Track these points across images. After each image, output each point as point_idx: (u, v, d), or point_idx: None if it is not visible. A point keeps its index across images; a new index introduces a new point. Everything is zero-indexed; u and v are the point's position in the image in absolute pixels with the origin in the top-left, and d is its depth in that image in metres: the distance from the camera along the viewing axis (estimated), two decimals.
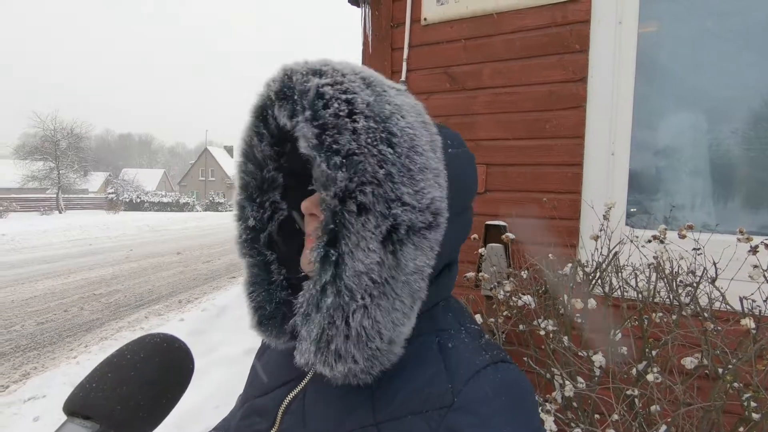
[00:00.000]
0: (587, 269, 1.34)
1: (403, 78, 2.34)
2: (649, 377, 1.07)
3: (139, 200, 37.73)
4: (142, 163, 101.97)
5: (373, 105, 0.48)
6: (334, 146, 0.45)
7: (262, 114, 0.55)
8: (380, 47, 2.39)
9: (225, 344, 4.62)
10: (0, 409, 3.37)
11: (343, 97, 0.47)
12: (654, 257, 1.31)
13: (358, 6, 2.35)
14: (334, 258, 0.46)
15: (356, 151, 0.45)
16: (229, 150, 66.74)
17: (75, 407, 0.42)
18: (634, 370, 1.25)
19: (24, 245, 13.07)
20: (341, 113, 0.46)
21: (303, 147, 0.47)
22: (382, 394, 0.51)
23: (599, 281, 1.30)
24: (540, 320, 1.37)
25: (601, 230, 1.48)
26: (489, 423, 0.46)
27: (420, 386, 0.50)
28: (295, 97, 0.48)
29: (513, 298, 1.42)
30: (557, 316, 1.35)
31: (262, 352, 0.71)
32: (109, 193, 37.50)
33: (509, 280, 1.45)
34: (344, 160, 0.45)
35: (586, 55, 2.00)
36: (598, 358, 1.18)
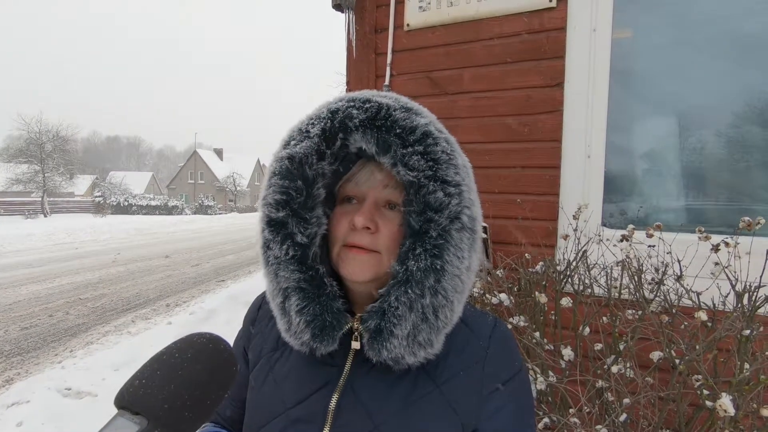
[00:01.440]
0: (559, 267, 1.40)
1: (386, 83, 2.39)
2: (614, 369, 1.12)
3: (126, 203, 37.26)
4: (130, 165, 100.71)
5: (456, 144, 0.63)
6: (447, 177, 0.59)
7: (327, 135, 0.63)
8: (364, 52, 2.44)
9: None
10: None
11: (443, 136, 0.62)
12: (623, 256, 1.37)
13: (342, 11, 2.40)
14: (438, 266, 0.58)
15: (461, 182, 0.60)
16: (218, 152, 66.25)
17: (125, 402, 0.43)
18: (606, 365, 1.30)
19: (8, 249, 12.84)
20: (447, 150, 0.60)
21: (410, 175, 0.59)
22: (434, 365, 0.63)
23: (570, 279, 1.36)
24: (515, 317, 1.42)
25: (575, 230, 1.54)
26: (508, 362, 0.67)
27: (460, 349, 0.65)
28: (397, 131, 0.60)
29: (487, 295, 1.46)
30: (531, 313, 1.40)
31: (268, 368, 0.72)
32: (96, 197, 36.97)
33: (481, 279, 1.49)
34: (455, 189, 0.59)
35: (563, 61, 2.07)
36: (567, 352, 1.24)
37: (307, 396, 0.66)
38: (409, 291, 0.59)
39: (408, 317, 0.59)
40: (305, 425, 0.64)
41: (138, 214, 35.76)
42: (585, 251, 1.32)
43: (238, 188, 55.12)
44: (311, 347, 0.65)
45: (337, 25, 2.48)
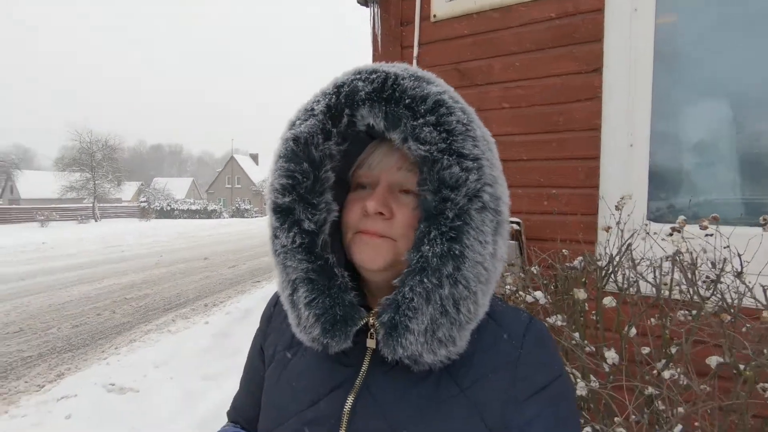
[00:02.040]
0: (600, 263, 1.29)
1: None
2: (665, 374, 1.01)
3: (169, 208, 38.99)
4: (172, 172, 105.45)
5: (474, 114, 0.56)
6: (463, 151, 0.52)
7: (333, 112, 0.57)
8: (390, 46, 2.39)
9: (249, 347, 4.69)
10: (36, 407, 3.52)
11: (459, 105, 0.54)
12: (674, 250, 1.25)
13: (367, 6, 2.36)
14: (457, 251, 0.51)
15: (480, 155, 0.53)
16: (254, 157, 68.19)
17: None
18: (656, 371, 1.19)
19: (62, 252, 13.70)
20: (463, 120, 0.53)
21: (421, 150, 0.52)
22: (458, 365, 0.57)
23: (612, 275, 1.25)
24: (551, 318, 1.33)
25: (617, 223, 1.42)
26: (545, 365, 0.58)
27: (487, 348, 0.58)
28: (406, 101, 0.53)
29: (521, 293, 1.37)
30: (567, 311, 1.30)
31: (282, 367, 0.68)
32: (142, 202, 38.95)
33: (510, 273, 1.40)
34: (474, 164, 0.52)
35: (601, 45, 1.94)
36: (611, 355, 1.13)
37: (321, 397, 0.61)
38: (425, 280, 0.52)
39: (425, 310, 0.53)
40: (319, 428, 0.60)
41: (180, 218, 37.33)
42: (629, 245, 1.20)
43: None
44: (323, 343, 0.60)
45: (362, 22, 2.45)
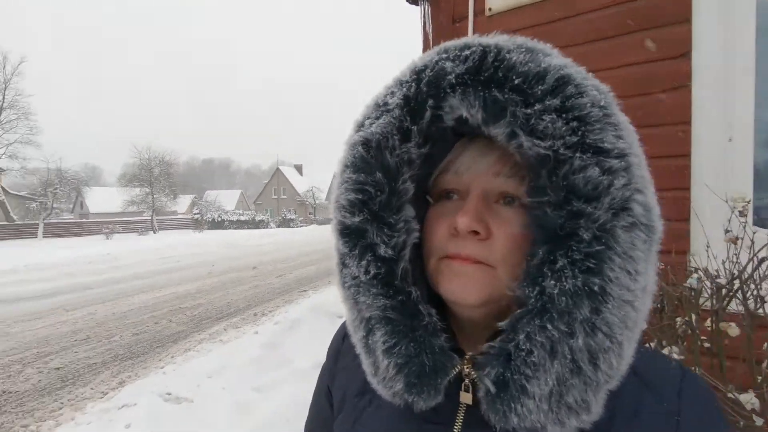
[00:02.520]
0: (719, 281, 1.06)
1: None
2: None
3: (220, 219, 40.75)
4: (222, 184, 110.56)
5: (611, 93, 0.41)
6: (603, 145, 0.38)
7: (413, 105, 0.44)
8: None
9: (297, 357, 4.67)
10: (98, 414, 3.65)
11: (591, 83, 0.40)
12: None
13: (417, 4, 2.25)
14: (596, 288, 0.37)
15: (627, 150, 0.38)
16: (299, 168, 70.12)
17: None
18: None
19: (124, 263, 14.60)
20: (599, 102, 0.39)
21: (540, 147, 0.38)
22: None
23: (738, 295, 1.02)
24: (652, 343, 1.12)
25: (727, 231, 1.19)
26: None
27: (630, 414, 0.44)
28: (515, 82, 0.39)
29: None
30: (677, 338, 1.08)
31: (353, 418, 0.56)
32: (195, 214, 41.04)
33: None
34: (620, 162, 0.38)
35: (689, 26, 1.70)
36: (747, 398, 0.90)
37: None
38: (549, 326, 0.38)
39: (549, 367, 0.39)
40: None
41: (229, 228, 38.90)
42: (764, 259, 0.97)
43: (317, 201, 57.68)
44: (406, 401, 0.46)
45: (414, 21, 2.33)
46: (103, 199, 46.49)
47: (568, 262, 0.38)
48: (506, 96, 0.39)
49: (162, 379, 4.34)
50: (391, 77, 0.48)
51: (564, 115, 0.38)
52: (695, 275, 1.07)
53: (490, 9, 2.15)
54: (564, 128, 0.38)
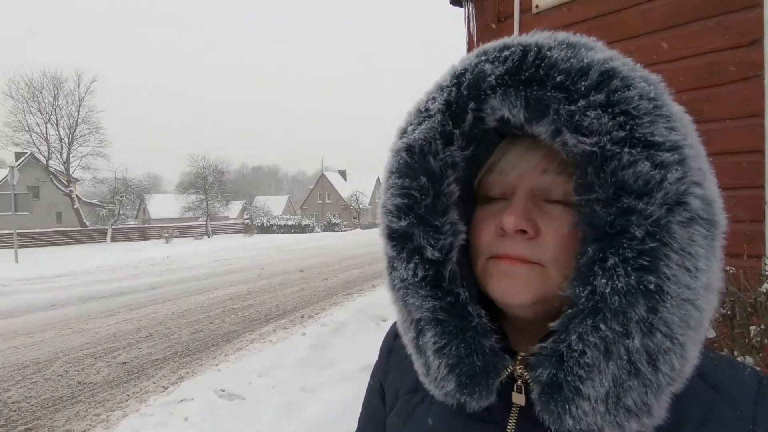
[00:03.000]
0: None
1: None
2: None
3: (268, 224, 42.26)
4: (270, 190, 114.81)
5: (662, 84, 0.40)
6: (654, 138, 0.36)
7: (454, 109, 0.45)
8: None
9: (343, 359, 4.74)
10: (160, 407, 3.89)
11: (638, 74, 0.39)
12: None
13: (461, 6, 2.23)
14: (651, 286, 0.36)
15: (681, 142, 0.37)
16: (342, 174, 71.37)
17: None
18: None
19: (182, 265, 15.51)
20: (648, 94, 0.38)
21: (585, 144, 0.38)
22: None
23: None
24: (724, 353, 1.03)
25: None
26: None
27: (698, 421, 0.42)
28: (557, 79, 0.39)
29: None
30: (751, 348, 1.00)
31: (406, 415, 0.57)
32: (245, 219, 42.83)
33: None
34: (673, 155, 0.36)
35: (760, 11, 1.57)
36: None
37: None
38: (602, 326, 0.37)
39: (604, 368, 0.38)
40: None
41: (277, 233, 40.22)
42: None
43: (361, 206, 58.40)
44: (459, 401, 0.46)
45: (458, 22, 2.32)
46: (162, 206, 49.75)
47: (620, 260, 0.37)
48: (549, 94, 0.39)
49: (216, 376, 4.55)
50: (432, 82, 0.49)
51: (610, 110, 0.37)
52: None
53: (537, 6, 2.10)
54: (610, 123, 0.37)
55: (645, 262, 0.36)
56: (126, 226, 36.85)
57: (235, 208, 54.50)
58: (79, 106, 34.24)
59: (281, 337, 6.14)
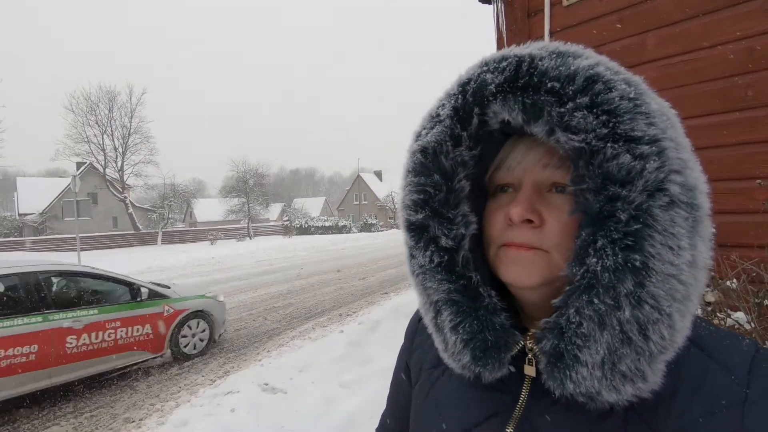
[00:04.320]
0: None
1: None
2: None
3: (306, 225, 43.25)
4: (308, 192, 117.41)
5: (644, 84, 0.45)
6: (634, 133, 0.41)
7: (461, 114, 0.51)
8: (516, 40, 2.22)
9: (379, 357, 4.82)
10: (209, 399, 4.12)
11: (620, 77, 0.44)
12: None
13: (490, 3, 2.24)
14: (637, 263, 0.41)
15: (659, 135, 0.41)
16: (378, 174, 71.79)
17: None
18: None
19: (226, 266, 16.19)
20: (628, 95, 0.42)
21: (574, 140, 0.43)
22: (651, 406, 0.45)
23: None
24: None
25: None
26: None
27: (695, 386, 0.44)
28: (548, 85, 0.44)
29: (719, 314, 1.07)
30: None
31: (429, 386, 0.62)
32: (284, 221, 44.06)
33: (711, 290, 1.10)
34: (652, 147, 0.41)
35: None
36: None
37: (474, 425, 0.54)
38: (596, 300, 0.42)
39: (599, 337, 0.42)
40: None
41: (315, 234, 41.08)
42: None
43: (397, 206, 58.53)
44: (474, 372, 0.52)
45: (484, 21, 2.32)
46: (207, 209, 52.07)
47: (608, 241, 0.41)
48: (542, 98, 0.44)
49: (260, 370, 4.75)
50: (442, 90, 0.54)
51: (595, 110, 0.41)
52: None
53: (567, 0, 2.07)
54: (595, 122, 0.41)
55: (630, 242, 0.40)
56: (174, 229, 38.88)
57: (274, 211, 56.15)
58: (131, 117, 36.60)
59: (320, 334, 6.31)
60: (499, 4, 2.19)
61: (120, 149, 36.01)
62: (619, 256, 0.41)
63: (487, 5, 2.30)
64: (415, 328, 0.71)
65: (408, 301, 7.20)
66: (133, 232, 35.49)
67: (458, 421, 0.55)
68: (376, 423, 0.81)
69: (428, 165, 0.52)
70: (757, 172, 1.61)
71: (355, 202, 66.30)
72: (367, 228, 44.42)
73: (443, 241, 0.52)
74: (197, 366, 5.31)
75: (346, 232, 41.63)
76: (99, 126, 35.17)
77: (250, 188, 39.44)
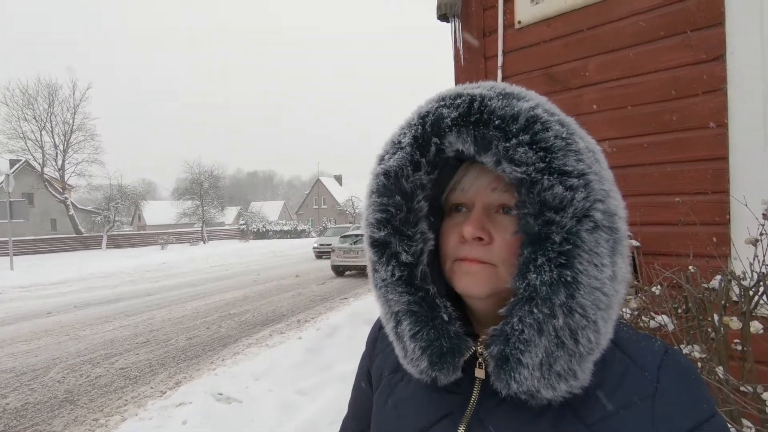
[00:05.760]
0: (745, 282, 1.07)
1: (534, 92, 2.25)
2: None
3: (264, 229, 42.22)
4: (266, 196, 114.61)
5: (574, 124, 0.52)
6: (566, 168, 0.48)
7: (420, 143, 0.56)
8: (473, 58, 2.34)
9: (339, 362, 4.81)
10: (158, 411, 3.95)
11: (555, 118, 0.50)
12: None
13: (448, 21, 2.34)
14: (569, 278, 0.47)
15: (586, 170, 0.48)
16: (338, 179, 71.49)
17: None
18: None
19: (178, 271, 15.52)
20: (562, 135, 0.49)
21: (517, 172, 0.49)
22: (581, 400, 0.52)
23: (764, 297, 1.03)
24: (683, 346, 1.14)
25: (761, 234, 1.18)
26: (691, 403, 0.50)
27: (617, 383, 0.52)
28: (495, 122, 0.50)
29: (643, 318, 1.20)
30: (706, 341, 1.10)
31: (389, 391, 0.67)
32: (241, 224, 42.76)
33: (636, 296, 1.23)
34: (579, 181, 0.47)
35: (722, 29, 1.69)
36: None
37: (428, 426, 0.59)
38: (535, 310, 0.48)
39: (538, 342, 0.49)
40: None
41: (273, 238, 40.21)
42: None
43: (357, 210, 58.50)
44: (431, 376, 0.58)
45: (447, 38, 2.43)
46: (158, 212, 49.62)
47: (546, 259, 0.48)
48: (491, 133, 0.50)
49: (214, 380, 4.61)
50: (403, 119, 0.60)
51: (534, 147, 0.48)
52: (718, 277, 1.08)
53: (519, 22, 2.21)
54: (534, 157, 0.48)
55: (563, 260, 0.47)
56: (121, 232, 36.73)
57: (230, 214, 54.40)
58: (74, 113, 34.16)
59: (277, 341, 6.21)
60: (457, 23, 2.30)
61: (61, 147, 33.51)
62: (554, 272, 0.47)
63: (445, 22, 2.41)
64: (376, 336, 0.76)
65: (367, 305, 7.23)
66: (74, 235, 33.13)
67: (415, 422, 0.60)
68: (334, 429, 0.83)
69: (390, 187, 0.58)
70: (681, 189, 1.79)
71: (315, 206, 65.59)
72: (326, 232, 44.01)
73: (404, 257, 0.58)
74: (145, 377, 5.07)
75: (306, 237, 41.06)
76: (37, 121, 32.55)
77: (204, 190, 37.95)
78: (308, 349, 5.31)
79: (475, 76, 2.36)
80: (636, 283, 1.37)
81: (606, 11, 1.98)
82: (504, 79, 2.27)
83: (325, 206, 64.83)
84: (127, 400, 4.44)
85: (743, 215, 1.60)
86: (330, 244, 15.89)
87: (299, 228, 43.58)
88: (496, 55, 2.28)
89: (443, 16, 2.34)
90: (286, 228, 43.07)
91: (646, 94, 1.87)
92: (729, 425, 0.94)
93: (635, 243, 1.33)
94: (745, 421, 0.96)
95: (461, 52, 2.34)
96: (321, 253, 19.25)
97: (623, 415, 0.50)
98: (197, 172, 38.52)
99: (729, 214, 1.68)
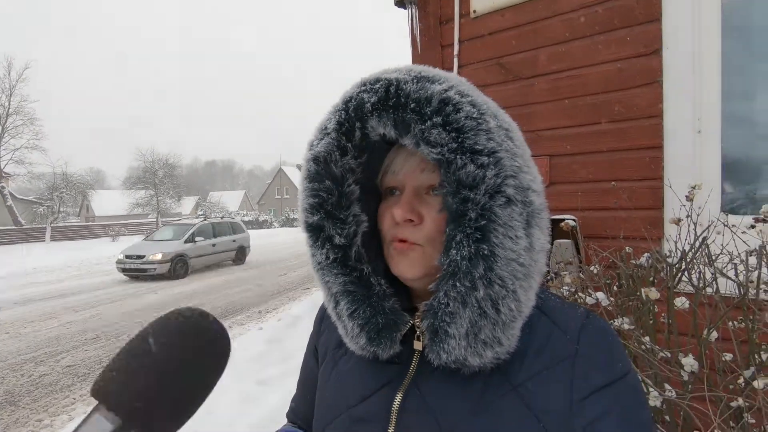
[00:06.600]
0: (669, 259, 1.17)
1: (454, 74, 2.28)
2: (758, 383, 0.88)
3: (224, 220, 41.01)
4: (226, 186, 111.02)
5: (488, 104, 0.53)
6: (477, 147, 0.49)
7: (345, 128, 0.57)
8: (429, 45, 2.36)
9: (301, 351, 4.76)
10: None
11: (467, 99, 0.51)
12: (759, 244, 1.10)
13: (405, 8, 2.34)
14: (486, 252, 0.49)
15: (496, 148, 0.50)
16: (301, 168, 70.31)
17: (99, 396, 0.38)
18: (741, 379, 1.05)
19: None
20: (473, 115, 0.50)
21: (433, 153, 0.51)
22: (510, 363, 0.54)
23: (686, 273, 1.12)
24: (616, 320, 1.22)
25: (688, 216, 1.28)
26: (606, 362, 0.53)
27: (541, 346, 0.55)
28: (411, 106, 0.51)
29: (580, 294, 1.27)
30: (635, 313, 1.19)
31: (333, 364, 0.69)
32: (199, 215, 41.26)
33: (568, 272, 1.30)
34: (489, 158, 0.49)
35: (659, 24, 1.79)
36: (689, 361, 1.00)
37: (369, 394, 0.61)
38: (458, 284, 0.51)
39: (462, 314, 0.51)
40: (368, 425, 0.59)
41: None
42: (705, 239, 1.07)
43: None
44: (371, 352, 0.60)
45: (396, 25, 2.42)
46: (108, 202, 46.86)
47: (464, 235, 0.50)
48: (408, 116, 0.52)
49: None
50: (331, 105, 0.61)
51: (447, 128, 0.50)
52: (646, 255, 1.17)
53: (474, 11, 2.25)
54: (447, 138, 0.50)
55: (479, 236, 0.49)
56: (67, 224, 34.46)
57: (188, 204, 52.29)
58: (11, 95, 31.47)
59: (237, 333, 6.09)
60: (414, 10, 2.31)
61: None
62: (472, 247, 0.50)
63: (402, 9, 2.41)
64: (322, 315, 0.77)
65: None
66: (13, 227, 30.78)
67: (358, 392, 0.62)
68: None
69: (321, 172, 0.59)
70: (623, 176, 1.91)
71: (277, 196, 64.32)
72: (289, 223, 43.38)
73: (337, 239, 0.59)
74: (95, 374, 4.83)
75: (267, 227, 40.27)
76: None
77: (159, 180, 36.21)
78: (269, 340, 5.25)
79: (432, 64, 2.38)
80: (576, 261, 1.45)
81: (555, 3, 2.05)
82: (460, 68, 2.31)
83: (288, 196, 63.70)
84: (74, 399, 4.23)
85: (674, 200, 1.73)
86: (144, 257, 10.92)
87: (261, 218, 42.65)
88: (452, 44, 2.31)
89: (400, 2, 2.34)
90: (247, 218, 42.02)
91: (593, 86, 1.96)
92: (651, 388, 1.02)
93: (572, 223, 1.40)
94: (667, 386, 1.05)
95: (418, 40, 2.35)
96: (131, 272, 11.41)
97: (546, 374, 0.53)
98: (151, 161, 36.67)
99: (662, 200, 1.81)
